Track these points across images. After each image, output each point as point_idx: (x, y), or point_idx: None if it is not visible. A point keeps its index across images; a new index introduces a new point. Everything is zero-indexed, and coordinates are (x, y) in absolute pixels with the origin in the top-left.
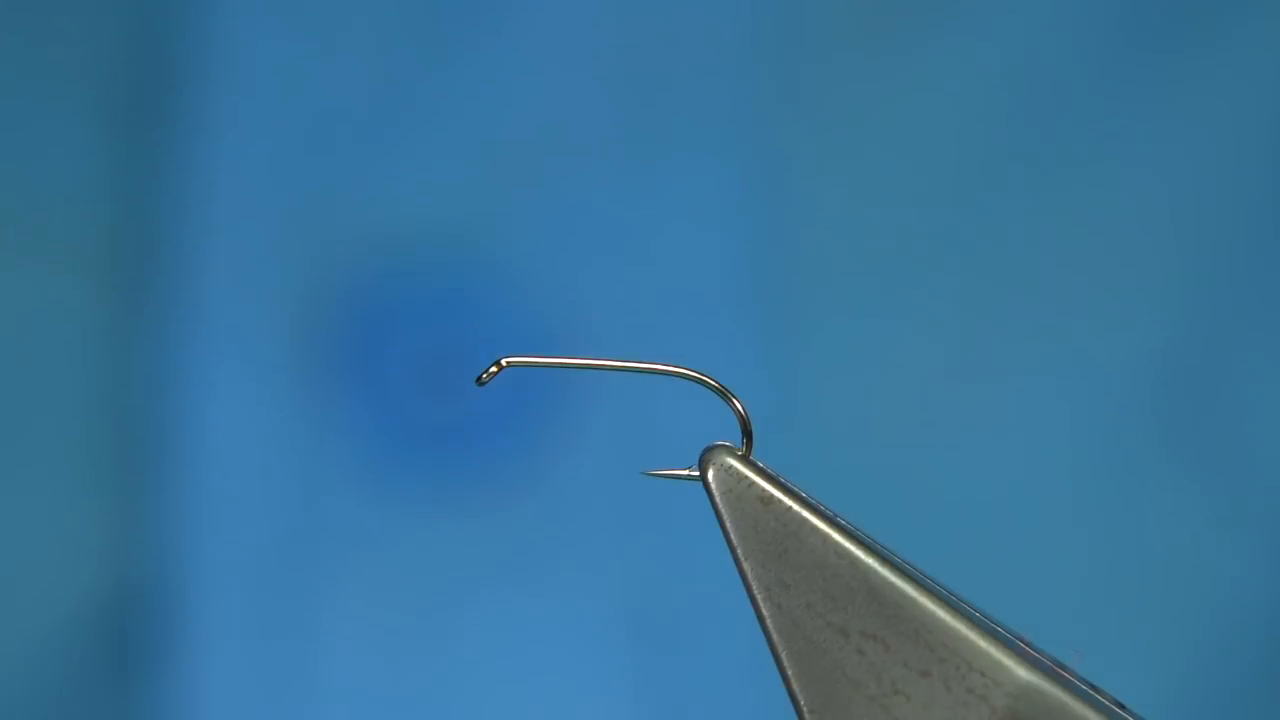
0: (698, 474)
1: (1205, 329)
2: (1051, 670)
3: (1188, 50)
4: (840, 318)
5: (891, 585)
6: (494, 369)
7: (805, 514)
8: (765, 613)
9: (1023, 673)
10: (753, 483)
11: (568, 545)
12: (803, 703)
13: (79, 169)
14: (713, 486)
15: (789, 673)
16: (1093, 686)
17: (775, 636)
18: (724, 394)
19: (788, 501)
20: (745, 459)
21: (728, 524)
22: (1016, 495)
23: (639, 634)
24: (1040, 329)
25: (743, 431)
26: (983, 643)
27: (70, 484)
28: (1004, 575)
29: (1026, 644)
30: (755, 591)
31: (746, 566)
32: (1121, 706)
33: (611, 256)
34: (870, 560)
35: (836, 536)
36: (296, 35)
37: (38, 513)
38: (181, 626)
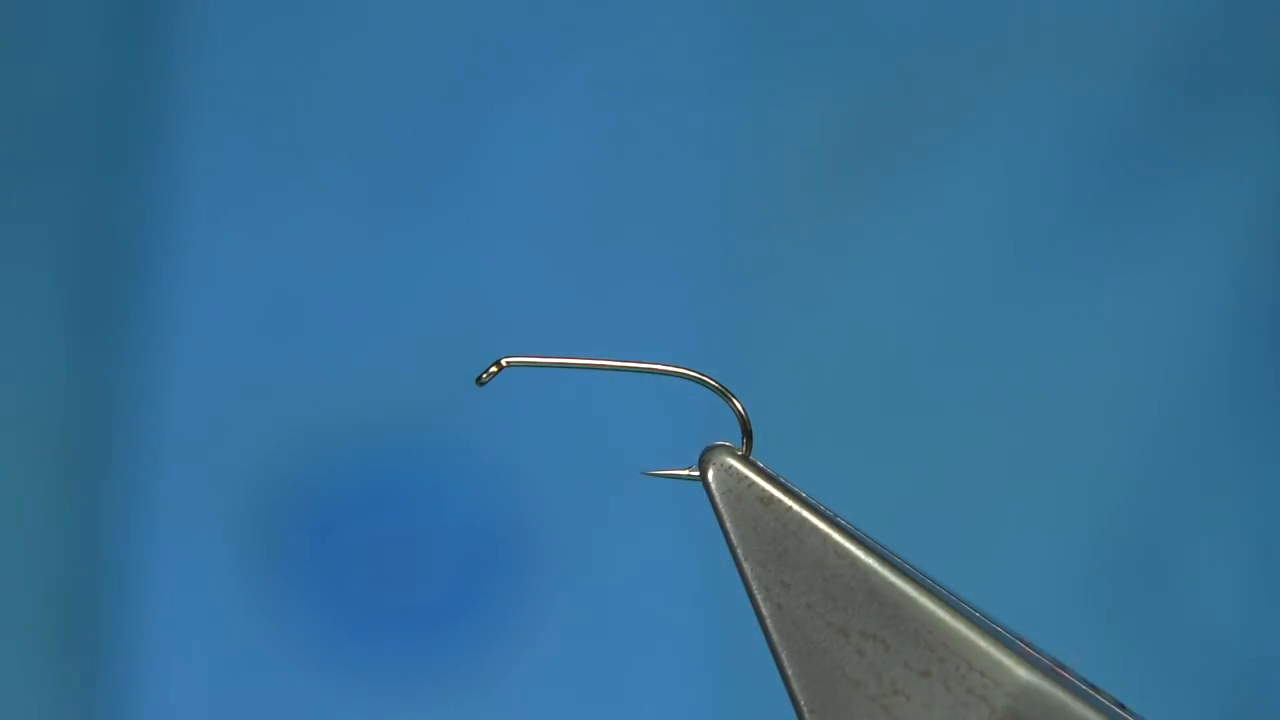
0: (697, 474)
1: (1157, 499)
2: (1052, 670)
3: (1155, 207)
4: (807, 456)
5: (891, 585)
6: (494, 369)
7: (805, 514)
8: (765, 613)
9: (1023, 673)
10: (753, 482)
11: None
12: (803, 703)
13: (34, 349)
14: (713, 486)
15: (789, 673)
16: (1093, 686)
17: (775, 636)
18: (724, 394)
19: (788, 501)
20: (745, 459)
21: (728, 524)
22: None
23: None
24: (990, 487)
25: (743, 432)
26: (983, 643)
27: (14, 670)
28: None
29: (1027, 644)
30: (755, 591)
31: (746, 566)
32: (1122, 706)
33: (565, 441)
34: (870, 560)
35: (836, 536)
36: (251, 222)
37: None
38: None
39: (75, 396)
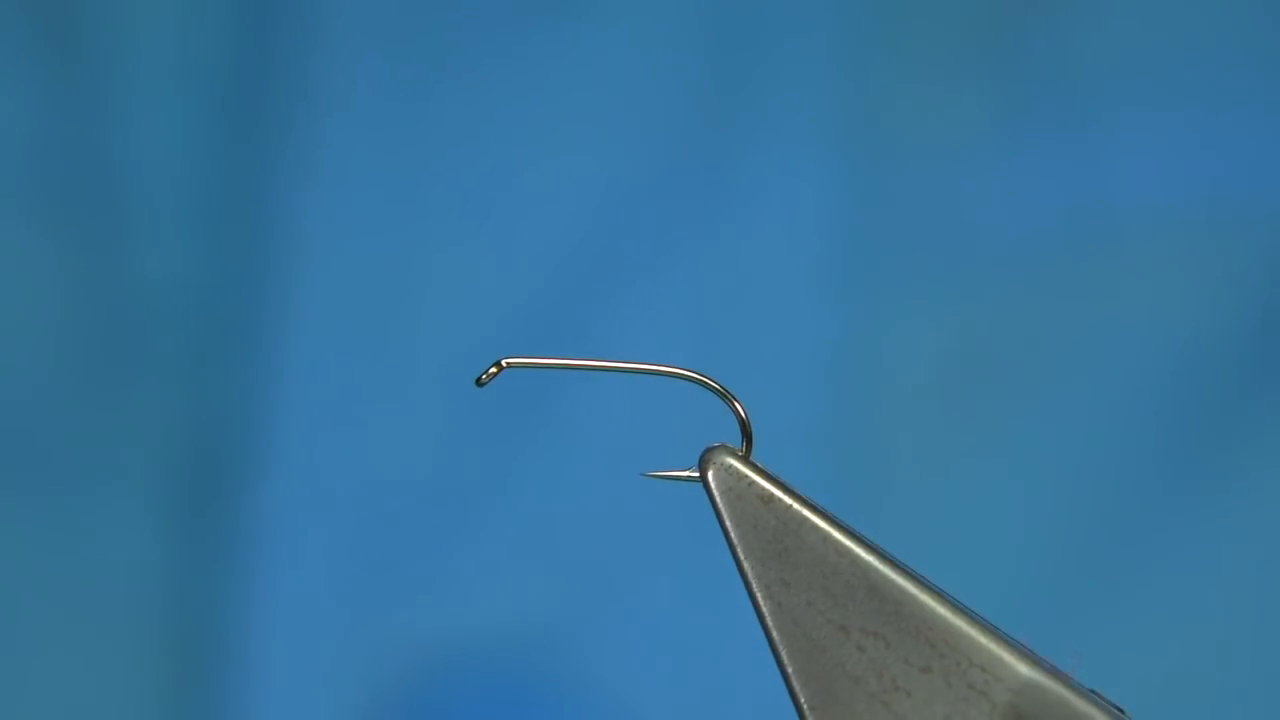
0: (697, 475)
1: None
2: (1052, 667)
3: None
4: None
5: (892, 582)
6: (494, 369)
7: (805, 512)
8: (765, 611)
9: (1024, 669)
10: (753, 481)
11: None
12: (803, 700)
13: (138, 570)
14: (713, 486)
15: (789, 670)
16: (1093, 691)
17: (776, 634)
18: (725, 396)
19: (788, 500)
20: (745, 459)
21: (728, 523)
22: None
23: None
24: None
25: (743, 433)
26: (983, 639)
27: None
28: None
29: (1026, 648)
30: (755, 590)
31: (747, 565)
32: (1121, 711)
33: (676, 662)
34: (870, 558)
35: (837, 534)
36: (351, 422)
37: None
38: None
39: (170, 609)
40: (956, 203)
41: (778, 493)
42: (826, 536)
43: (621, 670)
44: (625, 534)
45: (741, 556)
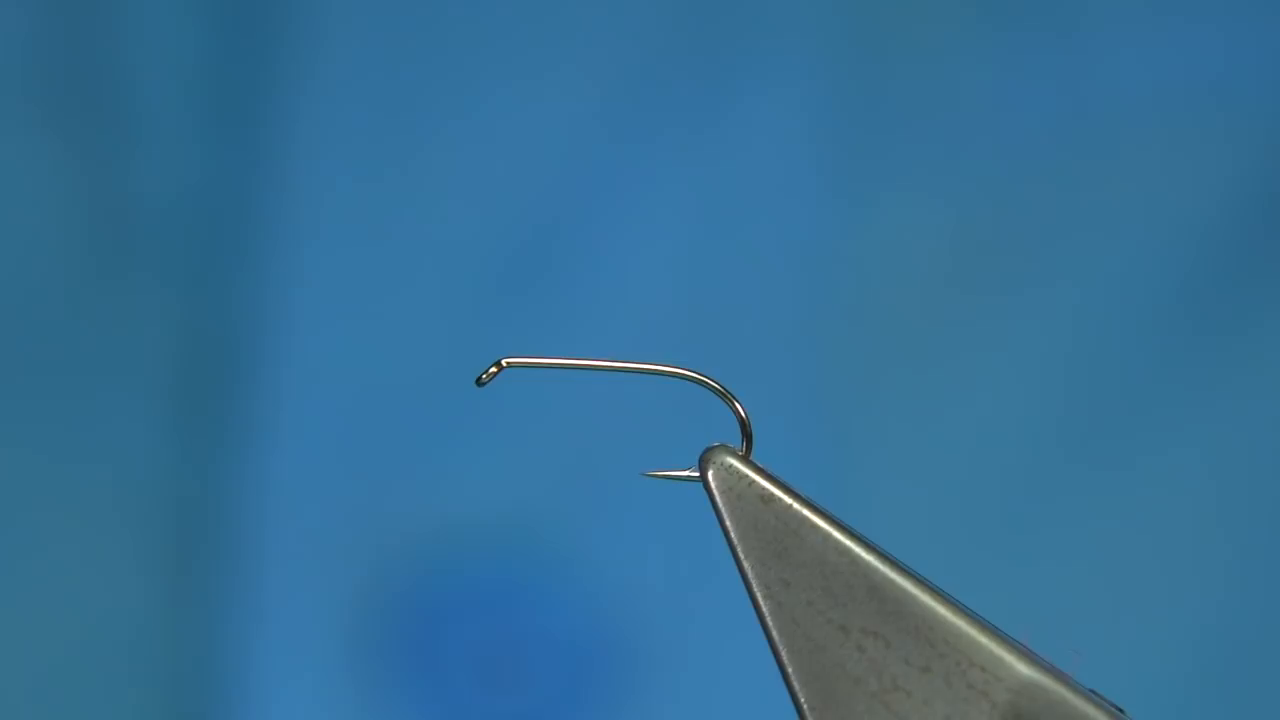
0: (697, 475)
1: (1246, 642)
2: (1052, 667)
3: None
4: None
5: (892, 582)
6: (494, 369)
7: (806, 512)
8: (765, 610)
9: (1024, 668)
10: (753, 481)
11: None
12: (803, 700)
13: (134, 459)
14: (713, 486)
15: (789, 670)
16: (1093, 691)
17: (775, 634)
18: (725, 396)
19: (788, 500)
20: (745, 459)
21: (728, 523)
22: None
23: None
24: (1084, 617)
25: (743, 433)
26: (983, 638)
27: None
28: None
29: (1025, 648)
30: (755, 590)
31: (747, 565)
32: (1121, 711)
33: (673, 548)
34: (870, 557)
35: (837, 534)
36: (351, 327)
37: None
38: None
39: (177, 506)
40: (949, 100)
41: (778, 493)
42: (827, 536)
43: (616, 558)
44: (619, 429)
45: (741, 556)
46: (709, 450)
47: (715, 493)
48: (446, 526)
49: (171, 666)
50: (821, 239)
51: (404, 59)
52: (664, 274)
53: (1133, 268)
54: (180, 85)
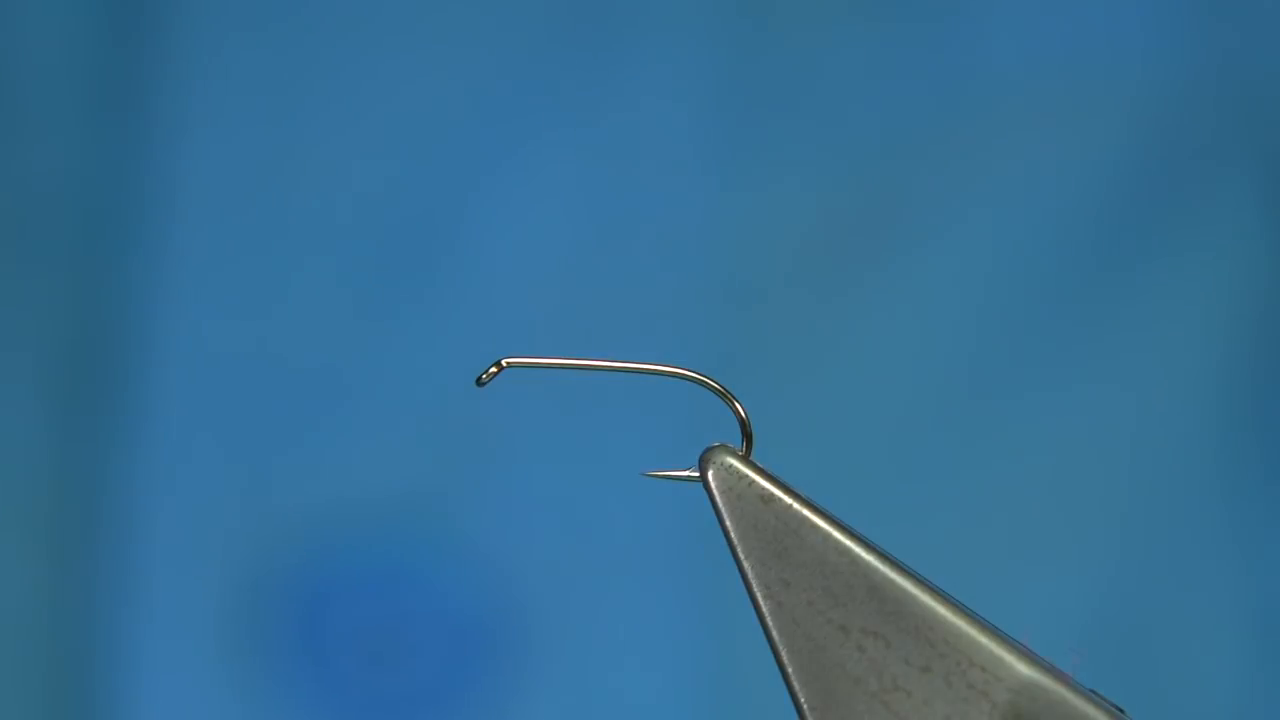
0: (697, 475)
1: (1149, 583)
2: (1052, 667)
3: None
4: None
5: (892, 582)
6: (494, 369)
7: (806, 512)
8: (766, 610)
9: (1024, 668)
10: (753, 481)
11: None
12: (803, 700)
13: (15, 441)
14: (713, 485)
15: (789, 670)
16: (1093, 691)
17: (776, 634)
18: (725, 396)
19: (788, 500)
20: (745, 459)
21: (728, 523)
22: None
23: None
24: (979, 576)
25: (743, 433)
26: (983, 638)
27: None
28: None
29: (1025, 648)
30: (756, 590)
31: (747, 565)
32: (1121, 711)
33: (557, 526)
34: (870, 557)
35: (837, 534)
36: (236, 305)
37: None
38: None
39: (59, 488)
40: (828, 76)
41: (778, 493)
42: (827, 536)
43: (503, 539)
44: (503, 407)
45: (741, 556)
46: (709, 450)
47: (715, 493)
48: (331, 508)
49: (51, 652)
50: (702, 216)
51: (294, 30)
52: (546, 251)
53: (1009, 234)
54: (64, 71)
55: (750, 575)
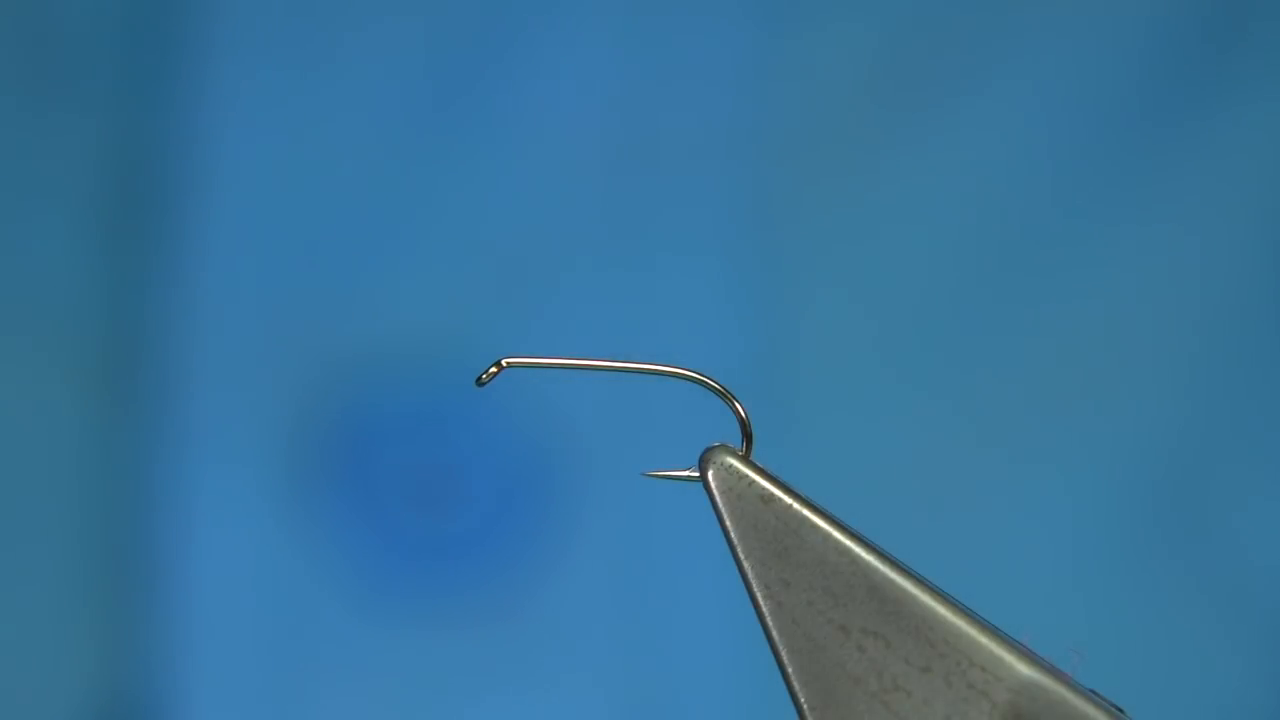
0: (697, 475)
1: (1199, 435)
2: (1052, 667)
3: (1191, 149)
4: (837, 412)
5: (892, 582)
6: (494, 369)
7: (806, 512)
8: (766, 610)
9: (1024, 668)
10: (753, 481)
11: (565, 654)
12: (803, 700)
13: (67, 278)
14: (713, 485)
15: (789, 670)
16: (1093, 691)
17: (776, 634)
18: (725, 395)
19: (788, 500)
20: (745, 459)
21: (728, 523)
22: (1016, 576)
23: None
24: (1041, 421)
25: (743, 433)
26: (983, 638)
27: (61, 599)
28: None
29: (1025, 648)
30: (756, 589)
31: (747, 565)
32: (1121, 711)
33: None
34: (870, 558)
35: (837, 534)
36: (281, 144)
37: (29, 629)
38: None
39: (107, 327)
40: None
41: (778, 493)
42: (827, 536)
43: (554, 380)
44: (555, 247)
45: (741, 556)
46: (709, 450)
47: (715, 493)
48: (379, 348)
49: (105, 481)
50: (748, 61)
51: None
52: (590, 98)
53: (1067, 76)
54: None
55: (750, 575)
